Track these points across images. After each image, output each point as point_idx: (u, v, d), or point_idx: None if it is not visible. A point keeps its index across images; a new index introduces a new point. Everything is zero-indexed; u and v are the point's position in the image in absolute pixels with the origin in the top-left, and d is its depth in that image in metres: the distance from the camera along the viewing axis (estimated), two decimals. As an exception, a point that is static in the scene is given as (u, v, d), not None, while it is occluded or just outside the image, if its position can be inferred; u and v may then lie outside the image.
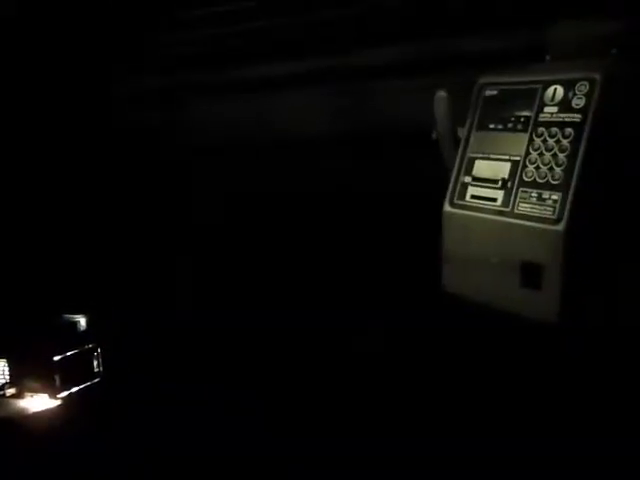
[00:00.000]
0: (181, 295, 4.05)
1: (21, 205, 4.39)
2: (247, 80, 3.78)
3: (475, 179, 2.35)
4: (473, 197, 2.35)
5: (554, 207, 2.10)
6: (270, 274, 3.79)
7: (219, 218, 3.96)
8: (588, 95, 2.10)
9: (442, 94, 2.41)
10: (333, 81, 3.46)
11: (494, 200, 2.28)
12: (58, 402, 3.62)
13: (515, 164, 2.25)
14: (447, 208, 2.41)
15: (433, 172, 2.49)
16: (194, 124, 4.00)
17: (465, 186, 2.37)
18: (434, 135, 2.47)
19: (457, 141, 2.42)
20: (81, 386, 3.73)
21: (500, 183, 2.27)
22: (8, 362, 3.66)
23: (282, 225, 3.72)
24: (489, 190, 2.30)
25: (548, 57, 2.39)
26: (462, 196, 2.37)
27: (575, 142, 2.10)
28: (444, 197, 2.41)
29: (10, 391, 3.65)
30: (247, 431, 3.31)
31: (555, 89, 2.19)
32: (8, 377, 3.67)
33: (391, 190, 3.27)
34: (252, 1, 3.65)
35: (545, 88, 2.21)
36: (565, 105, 2.15)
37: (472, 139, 2.39)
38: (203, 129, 3.98)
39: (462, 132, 2.41)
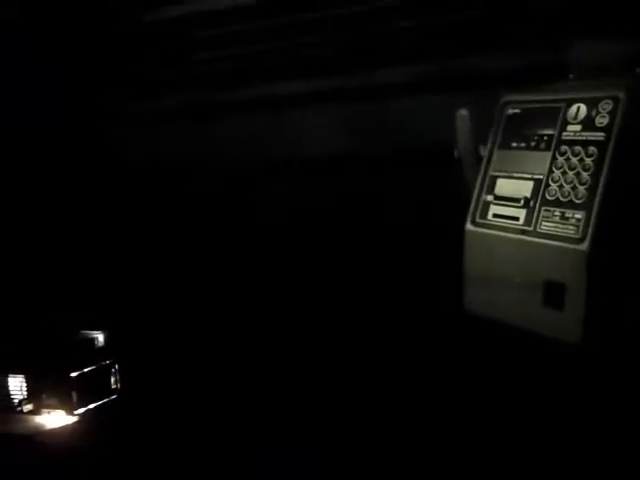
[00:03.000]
0: (200, 311, 4.04)
1: (39, 222, 4.40)
2: (266, 97, 3.78)
3: (497, 197, 2.34)
4: (495, 216, 2.33)
5: (577, 226, 2.09)
6: (291, 293, 3.78)
7: (238, 236, 3.95)
8: (612, 113, 2.08)
9: (464, 112, 2.40)
10: (352, 99, 3.46)
11: (516, 219, 2.26)
12: (75, 419, 3.62)
13: (538, 183, 2.23)
14: (469, 227, 2.39)
15: (454, 190, 2.48)
16: (212, 141, 4.00)
17: (487, 205, 2.36)
18: (456, 153, 2.46)
19: (479, 159, 2.41)
20: (98, 402, 3.73)
21: (522, 202, 2.26)
22: (26, 378, 3.66)
23: (302, 242, 3.71)
24: (511, 209, 2.29)
25: (571, 76, 2.38)
26: (484, 215, 2.36)
27: (599, 161, 2.08)
28: (465, 216, 2.39)
29: (27, 407, 3.65)
30: (269, 446, 3.30)
31: (578, 107, 2.17)
32: (26, 393, 3.67)
33: (412, 208, 3.26)
34: (270, 20, 3.65)
35: (568, 106, 2.20)
36: (588, 124, 2.13)
37: (494, 157, 2.37)
38: (219, 146, 3.97)
39: (484, 150, 2.40)
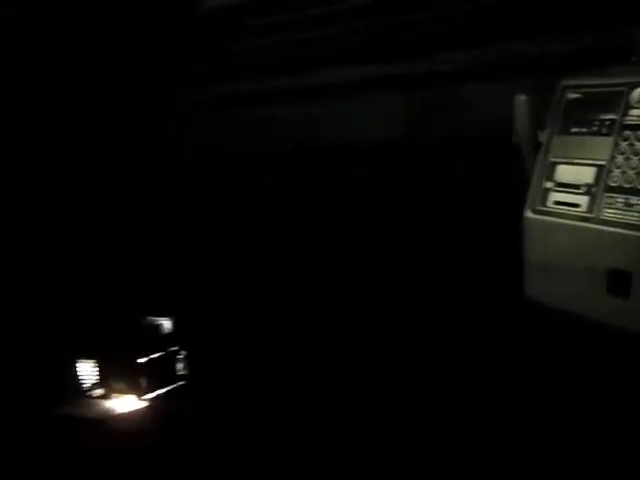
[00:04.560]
0: (266, 298, 4.05)
1: (107, 207, 4.47)
2: (320, 85, 3.75)
3: (557, 184, 2.28)
4: (555, 203, 2.28)
5: (642, 213, 2.03)
6: (350, 279, 3.76)
7: (293, 224, 3.95)
8: (677, 96, 2.02)
9: (522, 97, 2.35)
10: (407, 86, 3.41)
11: (578, 206, 2.21)
12: (144, 404, 3.70)
13: (600, 169, 2.17)
14: (528, 214, 2.35)
15: (512, 177, 2.44)
16: (260, 129, 3.98)
17: (547, 192, 2.31)
18: (514, 139, 2.41)
19: (538, 145, 2.36)
20: (166, 388, 3.80)
21: (584, 188, 2.20)
22: (96, 363, 3.75)
23: (361, 227, 3.69)
24: (572, 195, 2.23)
25: (634, 58, 2.30)
26: (543, 202, 2.31)
27: (663, 145, 2.02)
28: (525, 203, 2.35)
29: (98, 392, 3.74)
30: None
31: (642, 91, 2.11)
32: (96, 378, 3.76)
33: (471, 194, 3.21)
34: (324, 7, 3.62)
35: (631, 90, 2.13)
36: (652, 107, 2.07)
37: (554, 143, 2.32)
38: (268, 135, 3.96)
39: (543, 136, 2.34)
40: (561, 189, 2.27)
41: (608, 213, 2.13)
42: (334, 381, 3.58)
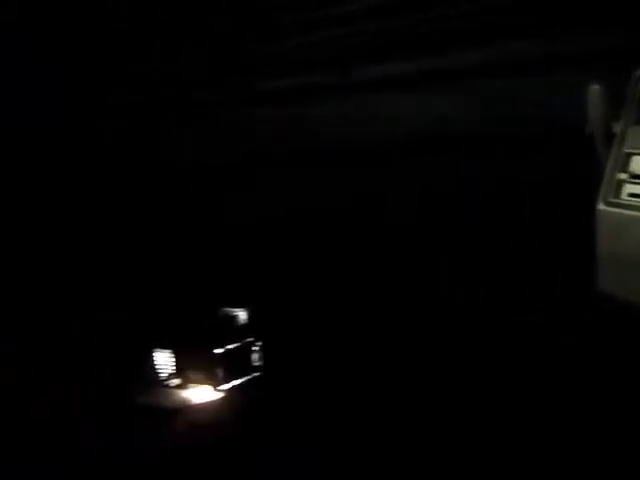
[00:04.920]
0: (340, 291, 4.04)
1: (182, 204, 4.51)
2: (371, 80, 3.72)
3: (632, 176, 2.22)
4: (630, 195, 2.21)
5: None
6: (416, 271, 3.73)
7: (347, 216, 3.92)
8: None
9: (596, 87, 2.29)
10: (469, 78, 3.37)
11: (654, 198, 2.14)
12: (220, 394, 3.73)
13: (676, 159, 2.11)
14: (601, 206, 2.28)
15: (585, 169, 2.38)
16: (311, 125, 3.96)
17: (621, 183, 2.24)
18: (587, 130, 2.35)
19: (612, 136, 2.30)
20: (242, 379, 3.83)
21: (660, 180, 2.13)
22: (173, 353, 3.81)
23: (427, 220, 3.66)
24: (648, 187, 2.16)
25: None
26: (617, 194, 2.24)
27: None
28: (597, 195, 2.29)
29: (175, 382, 3.79)
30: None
31: None
32: (173, 368, 3.81)
33: (541, 187, 3.15)
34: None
35: None
36: None
37: (629, 134, 2.25)
38: (317, 130, 3.94)
39: (617, 127, 2.28)
40: (636, 181, 2.20)
41: (685, 205, 2.07)
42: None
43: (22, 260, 4.52)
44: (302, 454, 3.22)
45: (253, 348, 3.93)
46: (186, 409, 3.68)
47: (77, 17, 4.49)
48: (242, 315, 3.96)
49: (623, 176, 2.24)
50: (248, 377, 3.87)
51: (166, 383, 3.80)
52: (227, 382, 3.77)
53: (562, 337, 3.23)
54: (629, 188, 2.22)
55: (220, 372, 3.75)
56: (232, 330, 3.90)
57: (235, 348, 3.84)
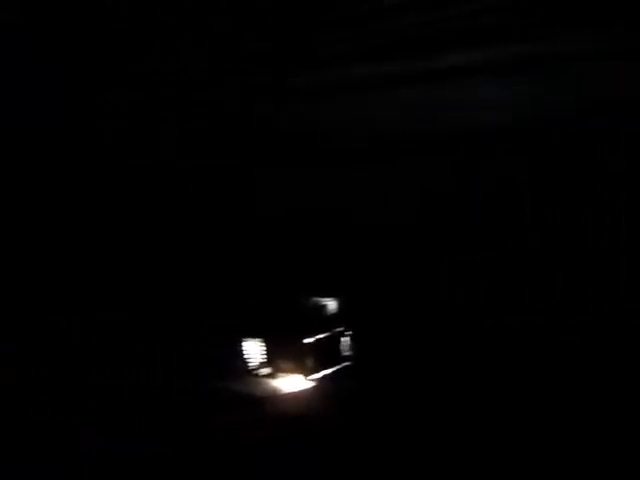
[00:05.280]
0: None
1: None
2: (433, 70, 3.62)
3: None
4: None
5: None
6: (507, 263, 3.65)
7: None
8: None
9: None
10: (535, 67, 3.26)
11: None
12: (310, 384, 3.67)
13: None
14: None
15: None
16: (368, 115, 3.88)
17: None
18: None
19: None
20: (332, 369, 3.76)
21: None
22: (262, 342, 3.76)
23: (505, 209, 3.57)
24: None
25: None
26: None
27: None
28: None
29: (264, 371, 3.75)
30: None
31: None
32: (263, 357, 3.77)
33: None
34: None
35: None
36: None
37: None
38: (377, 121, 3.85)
39: None
40: None
41: None
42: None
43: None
44: (389, 444, 3.15)
45: (343, 338, 3.86)
46: (276, 398, 3.62)
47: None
48: (332, 304, 3.89)
49: None
50: (338, 367, 3.80)
51: (256, 372, 3.76)
52: (317, 372, 3.71)
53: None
54: None
55: (310, 361, 3.69)
56: (322, 319, 3.84)
57: (325, 337, 3.77)
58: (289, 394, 3.64)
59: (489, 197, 3.58)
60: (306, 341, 3.69)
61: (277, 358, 3.74)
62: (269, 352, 3.76)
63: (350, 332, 3.87)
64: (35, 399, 3.64)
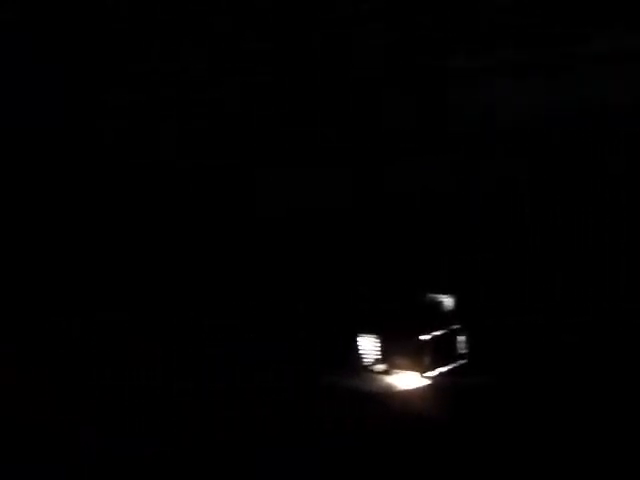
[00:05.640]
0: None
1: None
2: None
3: None
4: None
5: None
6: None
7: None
8: None
9: None
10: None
11: None
12: (426, 381, 3.64)
13: None
14: None
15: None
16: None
17: None
18: None
19: None
20: (447, 367, 3.72)
21: None
22: (379, 338, 3.74)
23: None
24: None
25: None
26: None
27: None
28: None
29: (380, 367, 3.73)
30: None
31: None
32: (378, 353, 3.75)
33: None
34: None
35: None
36: None
37: None
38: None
39: None
40: None
41: None
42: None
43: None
44: (504, 442, 3.09)
45: (459, 335, 3.80)
46: (392, 395, 3.60)
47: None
48: (448, 301, 3.84)
49: None
50: (454, 364, 3.74)
51: (371, 368, 3.74)
52: (433, 369, 3.67)
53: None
54: None
55: (427, 359, 3.65)
56: (438, 316, 3.79)
57: (441, 335, 3.73)
58: (404, 391, 3.61)
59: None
60: (422, 338, 3.65)
61: (393, 355, 3.72)
62: (384, 348, 3.74)
63: (467, 329, 3.81)
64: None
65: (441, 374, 3.68)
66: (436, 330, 3.70)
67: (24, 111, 4.53)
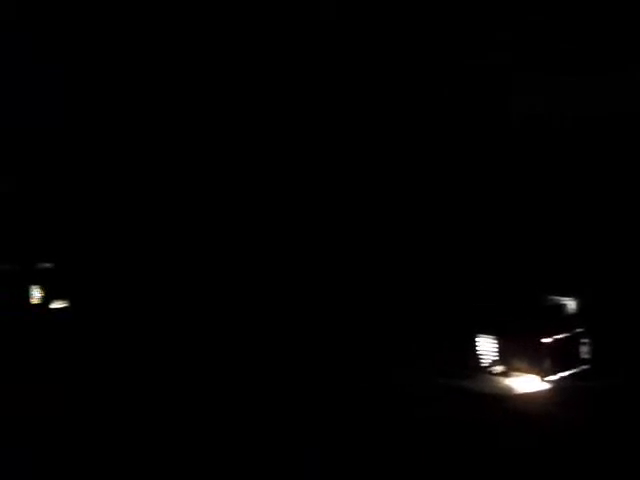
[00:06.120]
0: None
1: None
2: None
3: None
4: None
5: None
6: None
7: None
8: None
9: None
10: None
11: None
12: (547, 385, 3.55)
13: None
14: None
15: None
16: None
17: None
18: None
19: None
20: (569, 372, 3.62)
21: None
22: (497, 340, 3.68)
23: None
24: None
25: None
26: None
27: None
28: None
29: (497, 369, 3.67)
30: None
31: None
32: (496, 355, 3.69)
33: None
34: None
35: None
36: None
37: None
38: None
39: None
40: None
41: None
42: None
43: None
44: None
45: (582, 340, 3.69)
46: (510, 397, 3.53)
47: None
48: (571, 304, 3.73)
49: None
50: (576, 369, 3.64)
51: (489, 370, 3.68)
52: (554, 373, 3.57)
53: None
54: None
55: (548, 362, 3.56)
56: (560, 319, 3.69)
57: (564, 338, 3.62)
58: (524, 394, 3.54)
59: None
60: (544, 341, 3.56)
61: (512, 357, 3.65)
62: (504, 350, 3.67)
63: (590, 333, 3.70)
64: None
65: (562, 378, 3.58)
66: (558, 333, 3.61)
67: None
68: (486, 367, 3.71)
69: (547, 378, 3.55)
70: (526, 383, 3.57)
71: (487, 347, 3.71)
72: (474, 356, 3.73)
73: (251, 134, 4.79)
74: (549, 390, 3.53)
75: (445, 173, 4.43)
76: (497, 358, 3.68)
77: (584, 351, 3.68)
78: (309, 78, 4.65)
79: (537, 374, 3.56)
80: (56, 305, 5.05)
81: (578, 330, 3.68)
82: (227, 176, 4.81)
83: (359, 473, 3.01)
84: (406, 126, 4.54)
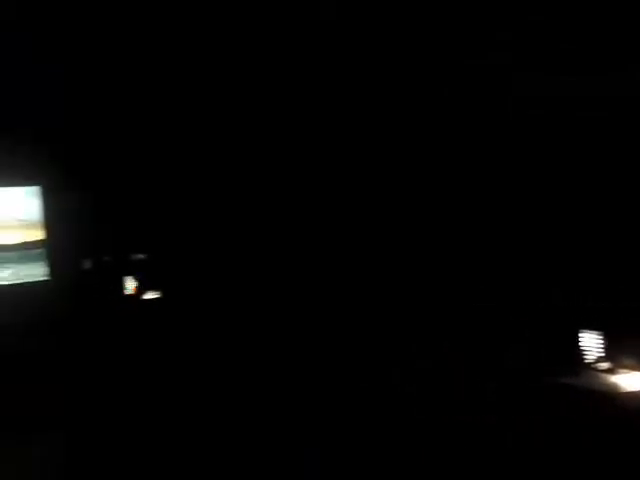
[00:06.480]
0: None
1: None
2: None
3: None
4: None
5: None
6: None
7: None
8: None
9: None
10: None
11: None
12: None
13: None
14: None
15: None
16: None
17: None
18: None
19: None
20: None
21: None
22: (604, 336, 3.61)
23: None
24: None
25: None
26: None
27: None
28: None
29: (604, 365, 3.60)
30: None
31: None
32: (602, 351, 3.62)
33: None
34: None
35: None
36: None
37: None
38: None
39: None
40: None
41: None
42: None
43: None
44: None
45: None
46: (615, 395, 3.44)
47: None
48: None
49: None
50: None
51: (594, 366, 3.61)
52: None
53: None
54: None
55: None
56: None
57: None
58: (630, 392, 3.45)
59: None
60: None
61: (617, 353, 3.57)
62: (610, 346, 3.59)
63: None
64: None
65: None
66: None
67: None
68: (590, 363, 3.63)
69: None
70: (633, 380, 3.48)
71: (591, 343, 3.64)
72: (578, 352, 3.66)
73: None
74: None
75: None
76: (602, 354, 3.60)
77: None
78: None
79: (644, 371, 3.49)
80: (149, 296, 5.17)
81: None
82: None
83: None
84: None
